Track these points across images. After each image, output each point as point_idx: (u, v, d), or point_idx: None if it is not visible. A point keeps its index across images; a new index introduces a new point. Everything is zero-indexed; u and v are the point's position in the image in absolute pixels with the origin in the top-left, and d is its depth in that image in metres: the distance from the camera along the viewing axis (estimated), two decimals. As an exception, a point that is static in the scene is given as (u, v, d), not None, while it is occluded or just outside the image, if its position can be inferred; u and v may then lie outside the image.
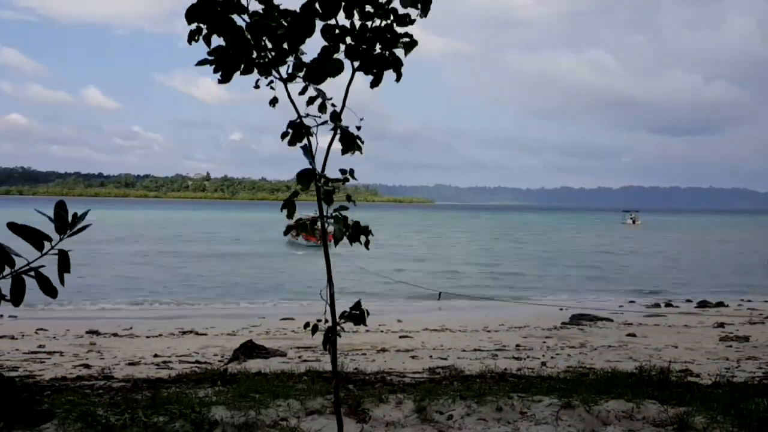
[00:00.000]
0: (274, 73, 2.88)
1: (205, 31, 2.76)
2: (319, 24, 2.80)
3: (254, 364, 9.15)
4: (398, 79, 2.91)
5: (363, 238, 3.08)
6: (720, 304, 23.68)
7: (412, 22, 2.80)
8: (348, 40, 2.85)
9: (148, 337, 14.50)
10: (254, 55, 2.80)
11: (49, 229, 1.89)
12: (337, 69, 2.86)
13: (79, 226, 1.91)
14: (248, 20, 2.74)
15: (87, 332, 14.87)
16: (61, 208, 1.91)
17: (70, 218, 1.91)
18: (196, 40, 2.77)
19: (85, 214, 1.95)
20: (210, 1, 2.67)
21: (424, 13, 2.75)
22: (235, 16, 2.74)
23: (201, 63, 2.78)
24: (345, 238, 3.04)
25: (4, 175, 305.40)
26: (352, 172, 3.02)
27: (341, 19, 2.82)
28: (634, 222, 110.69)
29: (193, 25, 2.75)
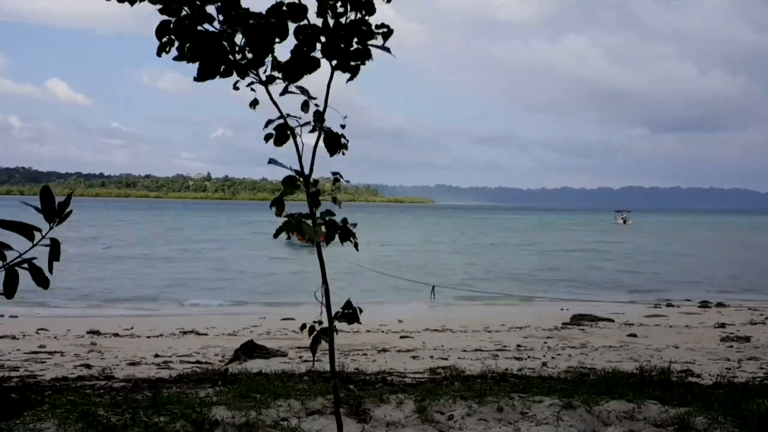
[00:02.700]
0: (253, 75, 2.88)
1: (177, 43, 2.75)
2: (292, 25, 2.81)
3: (255, 364, 9.15)
4: (364, 62, 2.92)
5: (353, 240, 3.08)
6: (721, 305, 23.67)
7: (374, 10, 2.81)
8: (322, 38, 2.85)
9: (148, 337, 14.50)
10: (231, 57, 2.80)
11: (40, 223, 1.91)
12: (313, 66, 2.86)
13: (66, 212, 1.92)
14: (218, 28, 2.73)
15: (88, 332, 14.87)
16: (46, 194, 1.91)
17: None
18: (167, 52, 2.76)
19: (68, 199, 1.96)
20: (177, 17, 2.67)
21: None
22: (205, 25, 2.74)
23: (178, 59, 2.77)
24: (336, 237, 3.04)
25: (5, 175, 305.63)
26: (337, 180, 3.03)
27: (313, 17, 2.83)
28: (624, 222, 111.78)
29: (165, 38, 2.74)
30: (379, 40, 2.90)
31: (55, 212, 1.90)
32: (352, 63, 2.91)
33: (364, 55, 2.90)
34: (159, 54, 2.77)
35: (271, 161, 2.91)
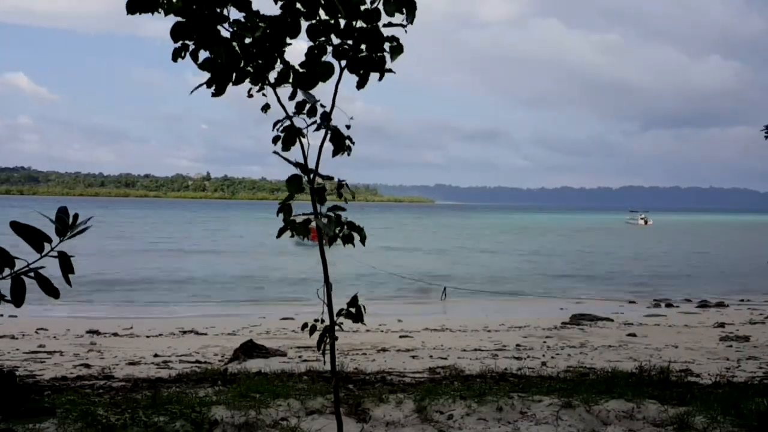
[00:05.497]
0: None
1: (192, 47, 2.75)
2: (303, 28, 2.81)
3: (254, 364, 9.16)
4: (381, 78, 2.92)
5: (357, 237, 3.08)
6: (720, 304, 23.68)
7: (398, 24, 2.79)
8: (334, 39, 2.85)
9: (148, 336, 14.50)
10: (242, 64, 2.79)
11: (48, 229, 1.89)
12: (327, 72, 2.86)
13: (80, 228, 1.92)
14: (231, 30, 2.74)
15: (87, 332, 14.86)
16: (63, 213, 1.92)
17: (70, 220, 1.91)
18: (183, 57, 2.75)
19: (87, 220, 1.96)
20: (196, 17, 2.66)
21: (410, 19, 2.74)
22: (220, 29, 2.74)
23: (196, 88, 2.78)
24: (339, 239, 3.04)
25: (5, 175, 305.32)
26: (340, 186, 3.04)
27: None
28: (646, 222, 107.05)
29: (178, 43, 2.74)
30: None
31: (68, 228, 1.90)
32: (362, 71, 2.90)
33: (379, 67, 2.89)
34: (174, 59, 2.75)
35: (287, 160, 2.90)
